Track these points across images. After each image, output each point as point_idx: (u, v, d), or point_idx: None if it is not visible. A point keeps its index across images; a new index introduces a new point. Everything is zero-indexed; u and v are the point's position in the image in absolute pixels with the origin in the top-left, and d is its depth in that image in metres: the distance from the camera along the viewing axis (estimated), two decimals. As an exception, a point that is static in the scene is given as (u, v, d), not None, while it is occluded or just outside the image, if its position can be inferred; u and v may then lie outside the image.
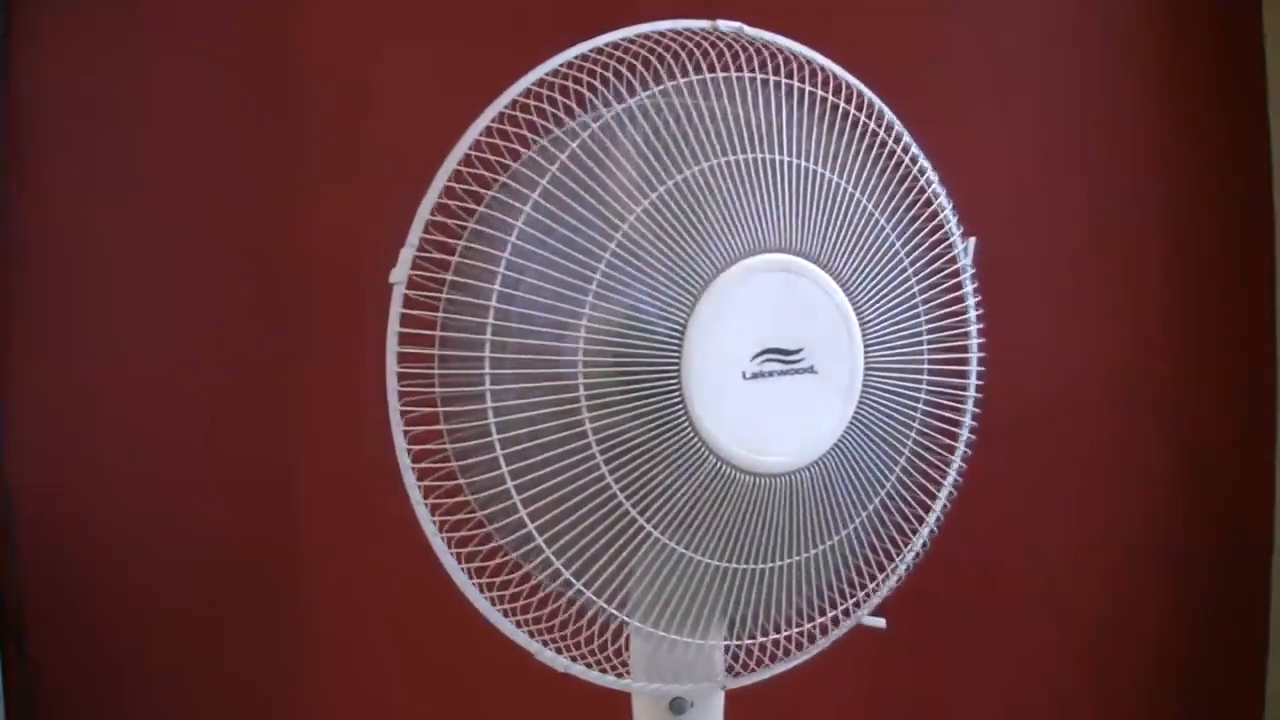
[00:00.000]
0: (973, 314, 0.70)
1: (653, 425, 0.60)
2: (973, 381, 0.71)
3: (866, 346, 0.65)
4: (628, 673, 0.66)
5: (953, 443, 0.70)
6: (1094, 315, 1.18)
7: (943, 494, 0.70)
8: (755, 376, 0.62)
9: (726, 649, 0.67)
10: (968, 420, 0.71)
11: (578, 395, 0.59)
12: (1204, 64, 1.16)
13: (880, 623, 0.70)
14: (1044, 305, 1.17)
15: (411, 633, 1.20)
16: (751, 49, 0.65)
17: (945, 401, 0.70)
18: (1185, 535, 1.18)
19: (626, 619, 0.63)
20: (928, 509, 0.70)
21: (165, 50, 1.21)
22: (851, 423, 0.65)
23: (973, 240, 0.71)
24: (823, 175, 0.64)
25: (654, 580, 0.63)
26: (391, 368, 0.60)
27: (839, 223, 0.64)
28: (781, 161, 0.63)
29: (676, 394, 0.60)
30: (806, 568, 0.66)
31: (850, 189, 0.65)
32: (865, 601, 0.69)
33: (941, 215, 0.70)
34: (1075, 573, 1.19)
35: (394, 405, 0.60)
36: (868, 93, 0.68)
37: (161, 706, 1.24)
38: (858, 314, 0.65)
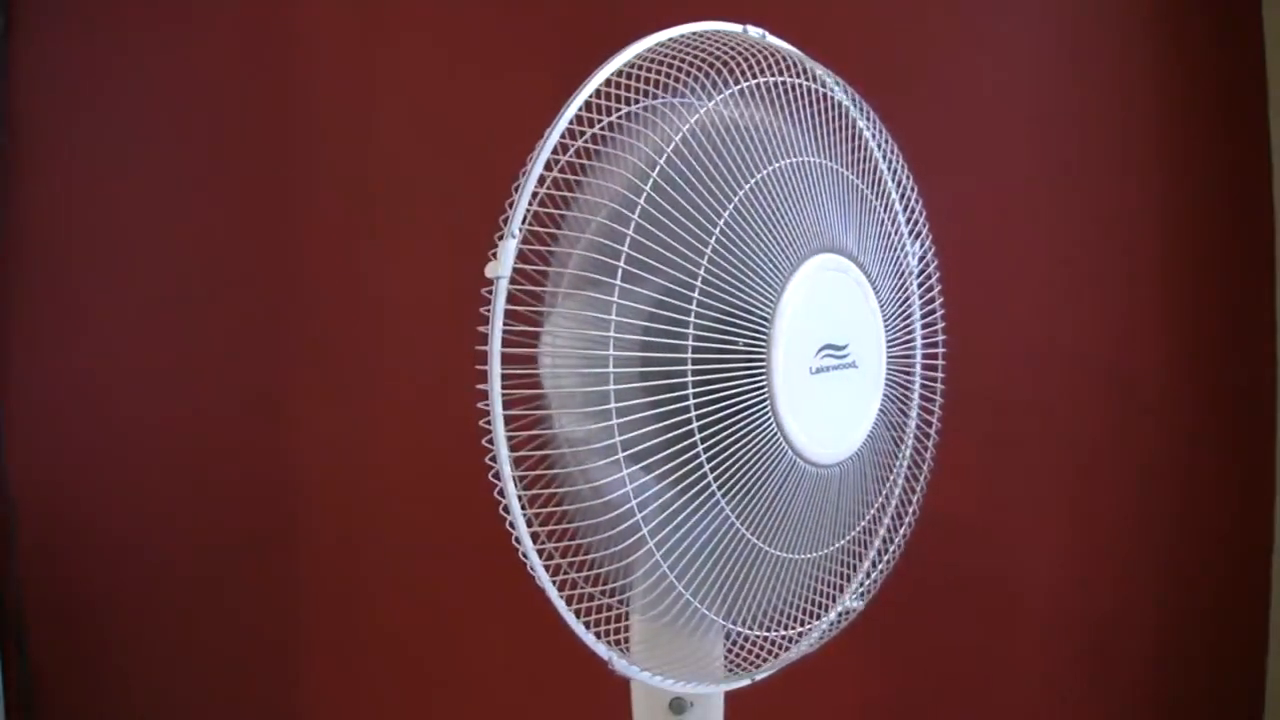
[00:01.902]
0: (917, 315, 0.74)
1: (743, 422, 0.60)
2: (939, 376, 0.75)
3: (888, 343, 0.69)
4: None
5: (929, 417, 0.75)
6: (1094, 315, 1.18)
7: (922, 478, 0.74)
8: (818, 371, 0.64)
9: (726, 649, 0.68)
10: (937, 410, 0.75)
11: (687, 394, 0.58)
12: (1204, 64, 1.16)
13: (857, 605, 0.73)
14: (1044, 305, 1.17)
15: (411, 632, 1.20)
16: (771, 54, 0.66)
17: (927, 394, 0.74)
18: (1185, 535, 1.18)
19: (715, 618, 0.62)
20: (912, 491, 0.74)
21: (165, 50, 1.21)
22: (880, 414, 0.69)
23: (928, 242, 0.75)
24: (848, 177, 0.67)
25: (740, 578, 0.63)
26: (495, 370, 0.56)
27: (865, 226, 0.67)
28: (825, 166, 0.65)
29: (763, 390, 0.60)
30: (834, 558, 0.68)
31: (868, 193, 0.68)
32: (867, 595, 0.72)
33: (918, 217, 0.73)
34: (1075, 573, 1.19)
35: (497, 408, 0.56)
36: (859, 99, 0.70)
37: (161, 706, 1.24)
38: (883, 309, 0.68)
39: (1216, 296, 1.17)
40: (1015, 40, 1.19)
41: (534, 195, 0.57)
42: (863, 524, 0.69)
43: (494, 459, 0.55)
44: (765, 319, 0.60)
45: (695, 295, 0.59)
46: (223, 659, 1.23)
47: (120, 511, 1.23)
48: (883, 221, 0.69)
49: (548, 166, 0.57)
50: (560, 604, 0.58)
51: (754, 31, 0.65)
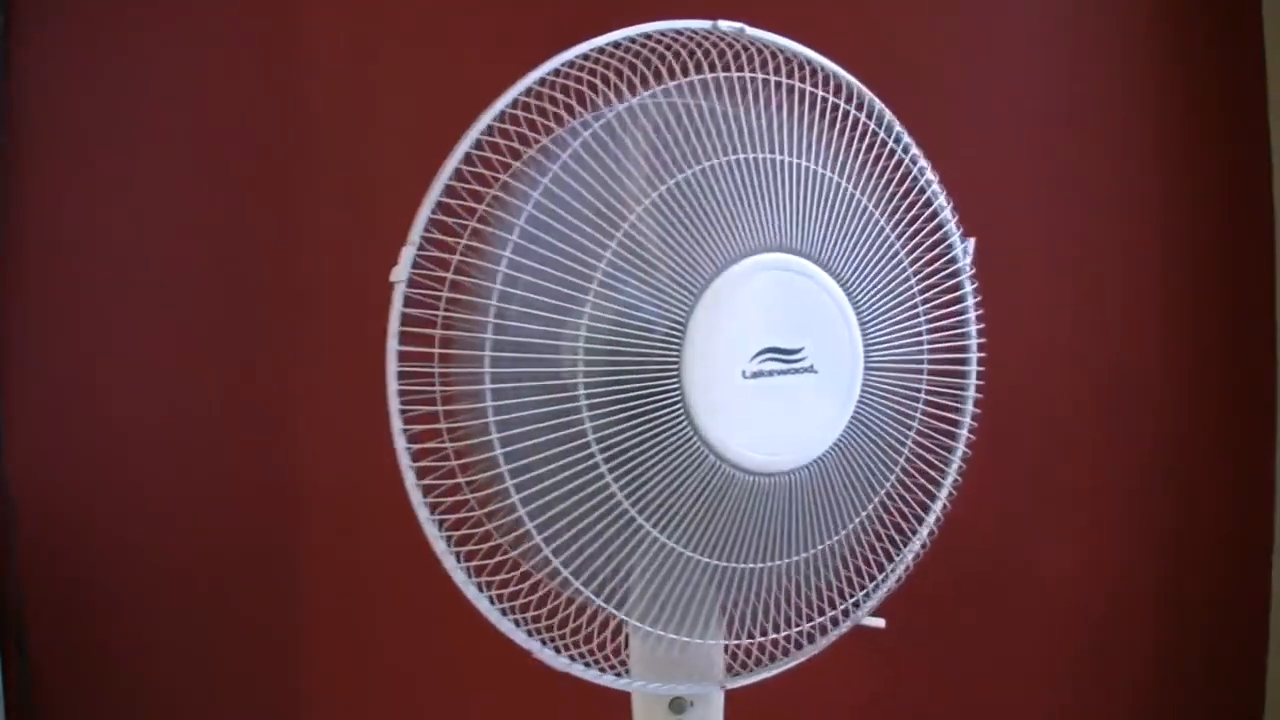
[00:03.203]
0: (972, 314, 0.70)
1: (651, 424, 0.60)
2: (972, 381, 0.71)
3: (866, 346, 0.65)
4: (627, 672, 0.66)
5: (952, 442, 0.70)
6: (1094, 314, 1.18)
7: (942, 494, 0.70)
8: (755, 375, 0.62)
9: (726, 649, 0.67)
10: (967, 420, 0.70)
11: (577, 394, 0.59)
12: (1204, 64, 1.16)
13: (879, 623, 0.70)
14: (1043, 305, 1.17)
15: (411, 632, 1.20)
16: (753, 49, 0.64)
17: (945, 401, 0.69)
18: (1185, 535, 1.18)
19: (625, 618, 0.63)
20: (927, 509, 0.70)
21: (165, 49, 1.21)
22: (851, 422, 0.65)
23: (971, 241, 0.71)
24: (823, 175, 0.64)
25: (653, 579, 0.63)
26: (392, 367, 0.59)
27: (839, 223, 0.64)
28: (782, 161, 0.63)
29: (676, 393, 0.60)
30: (806, 567, 0.66)
31: (850, 189, 0.65)
32: (865, 601, 0.69)
33: (941, 215, 0.69)
34: (1075, 573, 1.19)
35: (394, 405, 0.60)
36: (868, 93, 0.67)
37: (161, 706, 1.24)
38: (858, 314, 0.65)
39: (1217, 297, 1.17)
40: (1015, 40, 1.19)
41: (437, 205, 0.60)
42: (841, 535, 0.66)
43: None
44: (676, 322, 0.60)
45: (590, 299, 0.59)
46: (223, 659, 1.23)
47: (120, 511, 1.23)
48: (875, 222, 0.66)
49: (460, 177, 0.60)
50: (472, 590, 0.61)
51: (727, 26, 0.64)
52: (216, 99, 1.21)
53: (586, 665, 0.65)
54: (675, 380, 0.60)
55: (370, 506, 1.21)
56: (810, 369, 0.64)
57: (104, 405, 1.22)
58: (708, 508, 0.62)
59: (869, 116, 0.67)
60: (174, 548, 1.22)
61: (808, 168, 0.64)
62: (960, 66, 1.18)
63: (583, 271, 0.59)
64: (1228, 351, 1.17)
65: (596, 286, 0.59)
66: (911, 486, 0.69)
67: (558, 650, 0.64)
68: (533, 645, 0.63)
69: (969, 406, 0.71)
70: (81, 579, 1.23)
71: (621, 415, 0.60)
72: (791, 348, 0.63)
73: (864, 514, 0.67)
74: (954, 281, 0.70)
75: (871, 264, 0.65)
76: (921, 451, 0.69)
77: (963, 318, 0.70)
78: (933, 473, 0.70)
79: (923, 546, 0.70)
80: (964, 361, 0.70)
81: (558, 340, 0.60)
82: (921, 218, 0.69)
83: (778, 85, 0.64)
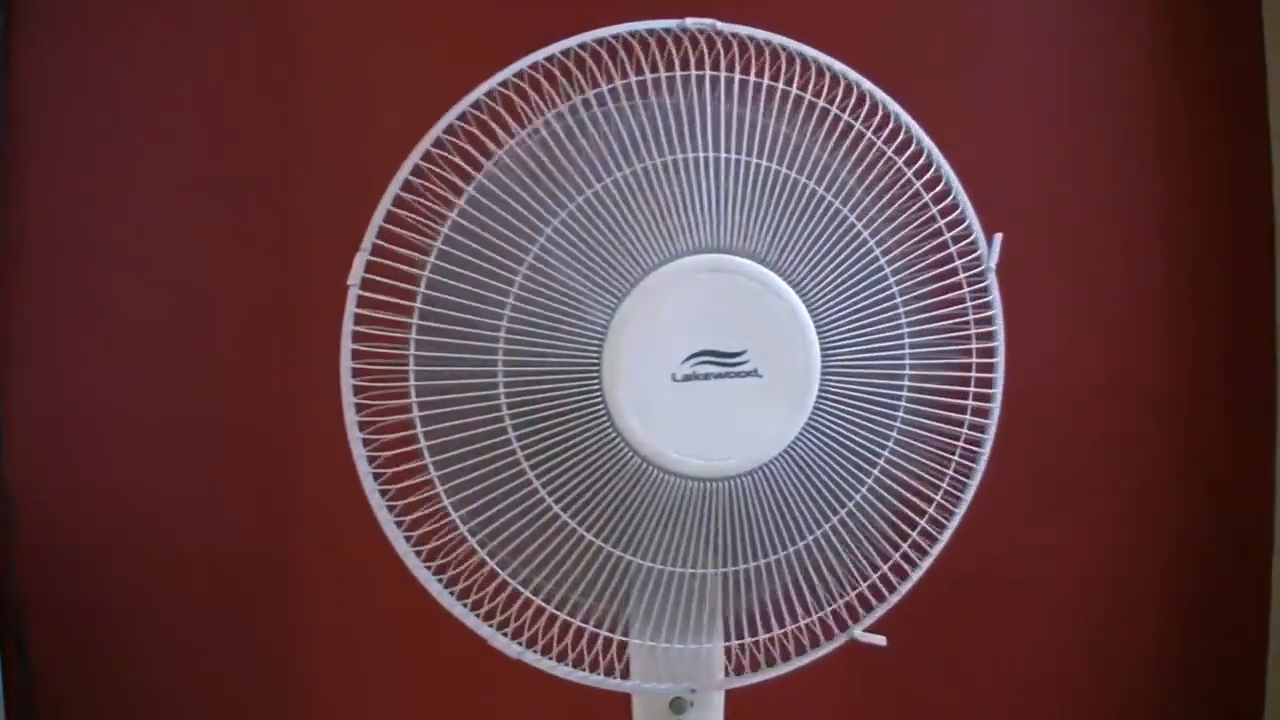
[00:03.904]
0: (971, 318, 0.67)
1: (571, 423, 0.61)
2: (972, 390, 0.67)
3: (825, 351, 0.63)
4: (627, 673, 0.66)
5: (948, 455, 0.67)
6: (1093, 314, 1.18)
7: (930, 510, 0.67)
8: (688, 379, 0.61)
9: (727, 649, 0.67)
10: (964, 431, 0.67)
11: (497, 393, 0.61)
12: (1204, 64, 1.16)
13: (879, 640, 0.68)
14: (1043, 305, 1.17)
15: (411, 632, 1.20)
16: (719, 43, 0.63)
17: (936, 412, 0.66)
18: (1185, 535, 1.18)
19: (568, 617, 0.64)
20: (913, 524, 0.66)
21: (165, 49, 1.21)
22: (806, 430, 0.63)
23: (998, 237, 0.68)
24: (781, 172, 0.62)
25: (581, 578, 0.63)
26: (346, 364, 0.63)
27: (794, 221, 0.62)
28: (731, 160, 0.62)
29: (596, 393, 0.61)
30: (759, 576, 0.64)
31: (813, 185, 0.63)
32: (841, 611, 0.66)
33: (933, 211, 0.66)
34: (1075, 573, 1.19)
35: (348, 401, 0.64)
36: (852, 76, 0.65)
37: (161, 706, 1.24)
38: (814, 316, 0.62)
39: (1217, 297, 1.17)
40: (1014, 40, 1.19)
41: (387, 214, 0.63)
42: (805, 543, 0.64)
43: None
44: (596, 323, 0.60)
45: (510, 300, 0.60)
46: (223, 659, 1.23)
47: (120, 512, 1.22)
48: (841, 219, 0.63)
49: (411, 178, 0.62)
50: (424, 573, 0.65)
51: (694, 22, 0.63)
52: (216, 99, 1.21)
53: (586, 667, 0.65)
54: (595, 380, 0.60)
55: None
56: (754, 373, 0.62)
57: (104, 405, 1.22)
58: (638, 509, 0.62)
59: (843, 108, 0.64)
60: (174, 548, 1.22)
61: (762, 165, 0.62)
62: (959, 66, 1.18)
63: (504, 275, 0.60)
64: (1228, 352, 1.17)
65: (517, 290, 0.60)
66: (892, 501, 0.65)
67: (556, 654, 0.64)
68: (485, 631, 0.64)
69: (968, 416, 0.67)
70: (81, 579, 1.23)
71: (540, 415, 0.61)
72: (731, 351, 0.62)
73: (826, 526, 0.64)
74: (948, 283, 0.67)
75: (833, 264, 0.63)
76: (902, 464, 0.65)
77: (961, 319, 0.66)
78: (922, 487, 0.66)
79: (902, 565, 0.67)
80: (964, 368, 0.67)
81: (481, 340, 0.61)
82: (909, 211, 0.65)
83: (743, 83, 0.63)
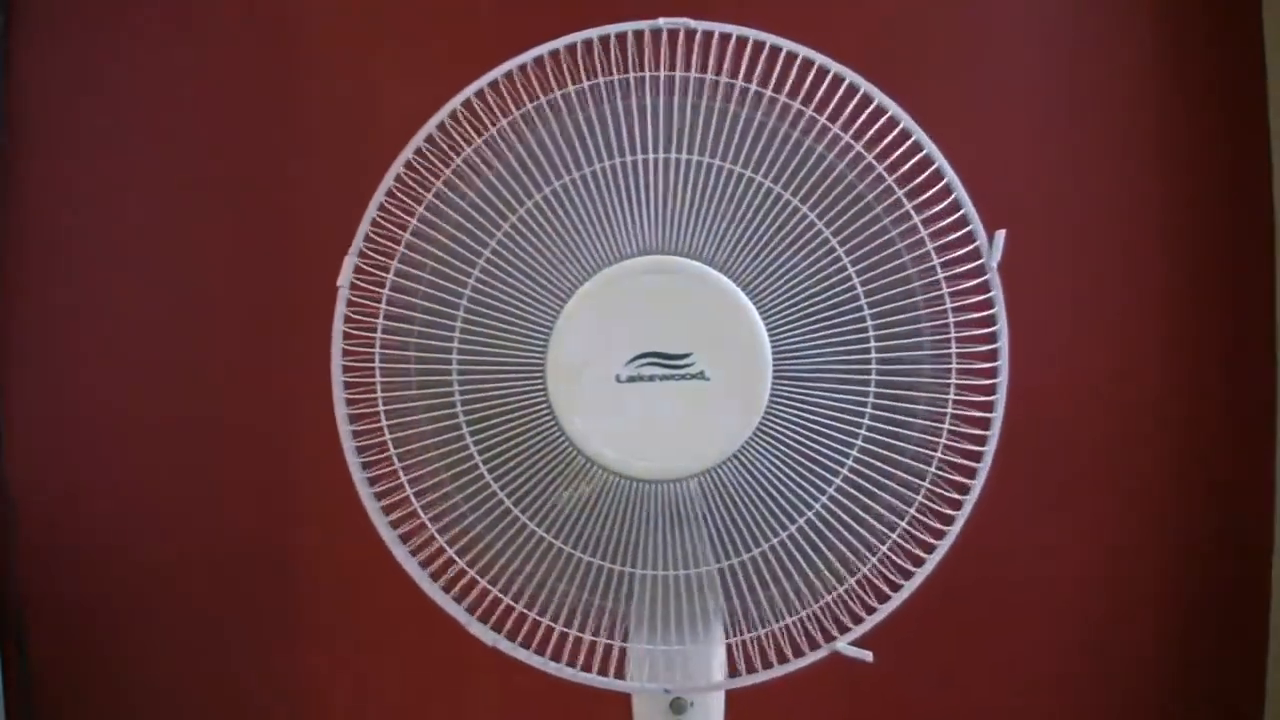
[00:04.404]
0: (952, 321, 0.63)
1: (520, 422, 0.62)
2: (951, 397, 0.63)
3: (778, 355, 0.61)
4: (628, 673, 0.66)
5: (925, 466, 0.63)
6: (1093, 314, 1.18)
7: (900, 525, 0.64)
8: (632, 380, 0.61)
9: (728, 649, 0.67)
10: (942, 441, 0.64)
11: (452, 390, 0.63)
12: (1204, 64, 1.16)
13: (865, 655, 0.66)
14: (1042, 304, 1.17)
15: (411, 632, 1.20)
16: (696, 41, 0.63)
17: (909, 420, 0.63)
18: (1185, 535, 1.18)
19: (528, 611, 0.65)
20: (883, 539, 0.64)
21: (165, 49, 1.21)
22: (758, 436, 0.62)
23: (1000, 234, 0.66)
24: (732, 171, 0.62)
25: (545, 575, 0.64)
26: (336, 363, 0.66)
27: (746, 221, 0.61)
28: (678, 160, 0.61)
29: (541, 392, 0.62)
30: (708, 581, 0.64)
31: (769, 184, 0.62)
32: (844, 626, 0.65)
33: (907, 207, 0.63)
34: (1075, 573, 1.19)
35: (339, 398, 0.66)
36: (837, 68, 0.63)
37: (161, 706, 1.24)
38: (766, 319, 0.61)
39: (1217, 297, 1.17)
40: (1013, 39, 1.19)
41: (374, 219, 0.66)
42: (760, 550, 0.63)
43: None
44: (540, 323, 0.62)
45: (463, 303, 0.63)
46: (223, 659, 1.23)
47: (120, 512, 1.22)
48: (803, 220, 0.61)
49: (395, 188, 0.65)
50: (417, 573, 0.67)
51: (666, 22, 0.63)
52: (216, 99, 1.21)
53: (587, 667, 0.65)
54: (540, 380, 0.62)
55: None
56: (700, 376, 0.61)
57: (104, 405, 1.22)
58: (587, 508, 0.63)
59: (812, 103, 0.63)
60: (174, 548, 1.22)
61: (714, 165, 0.61)
62: (958, 66, 1.18)
63: (458, 278, 0.63)
64: (1228, 352, 1.17)
65: (470, 292, 0.63)
66: (859, 513, 0.63)
67: (557, 654, 0.65)
68: (463, 617, 0.65)
69: (945, 425, 0.64)
70: (81, 579, 1.23)
71: (491, 412, 0.63)
72: (676, 353, 0.61)
73: (783, 535, 0.63)
74: (907, 287, 0.63)
75: (788, 266, 0.61)
76: (868, 473, 0.63)
77: (940, 322, 0.63)
78: (894, 500, 0.63)
79: (872, 578, 0.64)
80: (942, 375, 0.63)
81: (441, 342, 0.63)
82: (876, 211, 0.62)
83: (684, 81, 0.62)
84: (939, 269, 0.63)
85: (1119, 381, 1.18)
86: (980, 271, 0.64)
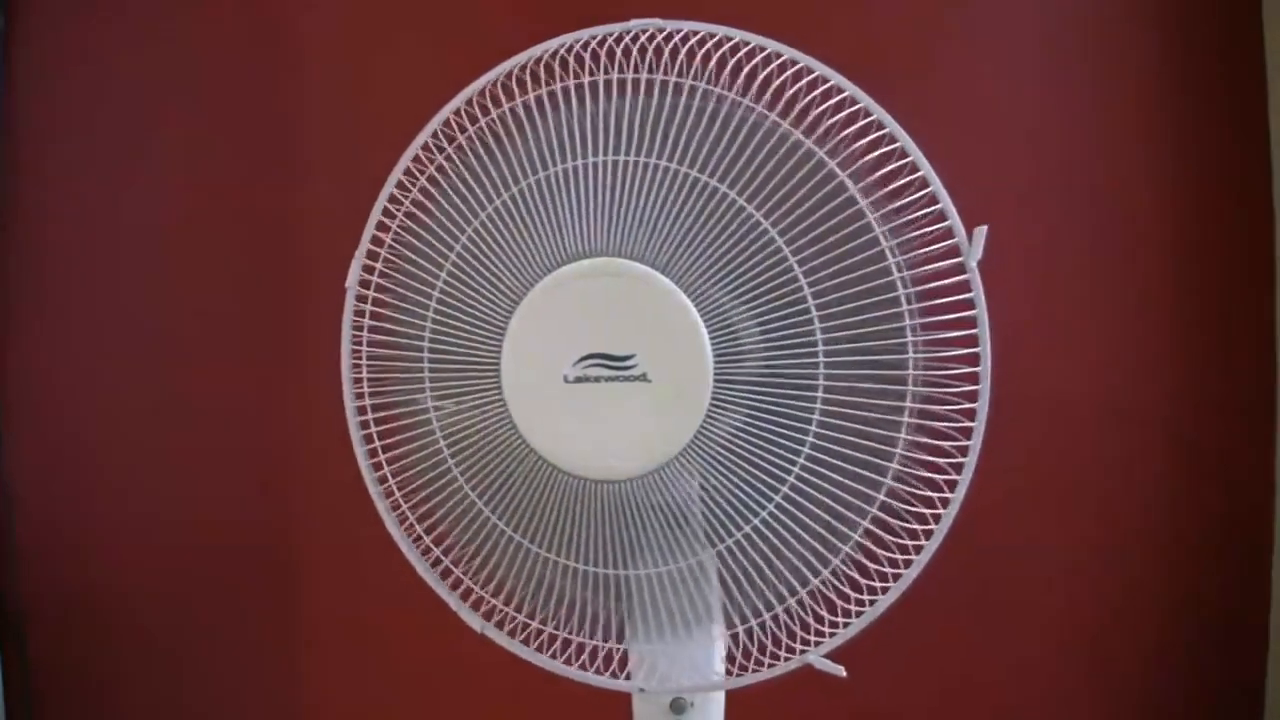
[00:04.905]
0: (908, 324, 0.61)
1: (481, 418, 0.64)
2: (908, 404, 0.61)
3: (720, 358, 0.60)
4: (628, 673, 0.66)
5: (879, 478, 0.61)
6: (1093, 314, 1.18)
7: (853, 537, 0.62)
8: (579, 380, 0.62)
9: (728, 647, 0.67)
10: (898, 452, 0.61)
11: (424, 388, 0.66)
12: (1204, 64, 1.16)
13: (838, 670, 0.65)
14: (1042, 304, 1.17)
15: (411, 632, 1.20)
16: (651, 48, 0.63)
17: (861, 429, 0.61)
18: (1185, 535, 1.18)
19: (494, 600, 0.67)
20: (835, 550, 0.62)
21: (165, 50, 1.22)
22: (700, 439, 0.61)
23: (980, 231, 0.62)
24: (677, 171, 0.61)
25: (507, 569, 0.66)
26: (346, 363, 0.71)
27: (689, 222, 0.61)
28: (625, 162, 0.62)
29: (496, 391, 0.63)
30: (662, 583, 0.64)
31: (714, 183, 0.61)
32: (816, 643, 0.64)
33: (860, 204, 0.60)
34: (1075, 573, 1.19)
35: (349, 394, 0.71)
36: (806, 60, 0.61)
37: (161, 706, 1.24)
38: (708, 322, 0.60)
39: (1216, 297, 1.17)
40: (1012, 39, 1.19)
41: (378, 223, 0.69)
42: (710, 553, 0.62)
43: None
44: (494, 323, 0.64)
45: (432, 304, 0.66)
46: (222, 659, 1.23)
47: (120, 511, 1.23)
48: (749, 222, 0.60)
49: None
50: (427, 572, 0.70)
51: (637, 23, 0.64)
52: (216, 98, 1.21)
53: (587, 666, 0.65)
54: (495, 379, 0.63)
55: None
56: (642, 377, 0.61)
57: (104, 405, 1.22)
58: (538, 502, 0.64)
59: (761, 102, 0.61)
60: (174, 548, 1.22)
61: (660, 165, 0.61)
62: (957, 66, 1.18)
63: (427, 280, 0.66)
64: (1228, 351, 1.17)
65: (438, 294, 0.65)
66: (808, 522, 0.61)
67: (557, 652, 0.66)
68: (454, 601, 0.68)
69: (902, 435, 0.61)
70: (82, 579, 1.23)
71: (457, 408, 0.65)
72: (620, 354, 0.61)
73: (729, 541, 0.62)
74: (871, 286, 0.60)
75: (732, 267, 0.60)
76: (818, 481, 0.61)
77: (896, 325, 0.60)
78: (846, 510, 0.61)
79: (823, 589, 0.62)
80: (898, 381, 0.60)
81: (413, 340, 0.67)
82: (826, 208, 0.59)
83: (662, 84, 0.62)
84: (901, 267, 0.61)
85: (1119, 381, 1.18)
86: (959, 270, 0.61)
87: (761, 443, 0.61)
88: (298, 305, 1.21)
